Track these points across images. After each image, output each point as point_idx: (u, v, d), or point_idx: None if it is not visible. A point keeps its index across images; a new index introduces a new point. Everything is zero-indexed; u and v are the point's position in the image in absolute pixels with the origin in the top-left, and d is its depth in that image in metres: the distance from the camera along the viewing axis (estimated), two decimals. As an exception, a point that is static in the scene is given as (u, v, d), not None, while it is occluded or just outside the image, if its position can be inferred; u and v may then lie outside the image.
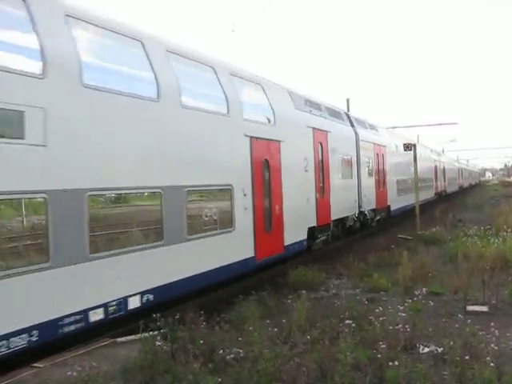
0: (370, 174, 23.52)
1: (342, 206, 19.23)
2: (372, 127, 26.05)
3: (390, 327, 8.36)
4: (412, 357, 7.35)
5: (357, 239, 22.64)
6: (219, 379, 6.54)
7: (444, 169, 54.55)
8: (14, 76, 6.82)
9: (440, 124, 58.15)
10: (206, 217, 10.79)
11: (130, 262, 8.55)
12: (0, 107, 6.61)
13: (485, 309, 10.42)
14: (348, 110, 35.92)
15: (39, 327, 6.94)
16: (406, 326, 8.37)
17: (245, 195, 12.13)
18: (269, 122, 13.95)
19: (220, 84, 11.84)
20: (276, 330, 8.49)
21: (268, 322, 8.98)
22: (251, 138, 12.49)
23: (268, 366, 6.54)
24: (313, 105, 17.90)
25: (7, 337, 6.53)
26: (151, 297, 8.99)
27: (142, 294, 8.80)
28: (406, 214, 31.33)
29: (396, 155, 29.09)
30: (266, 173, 13.24)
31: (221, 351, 7.41)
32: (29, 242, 7.22)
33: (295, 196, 14.79)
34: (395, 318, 9.17)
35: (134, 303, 8.63)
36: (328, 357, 7.16)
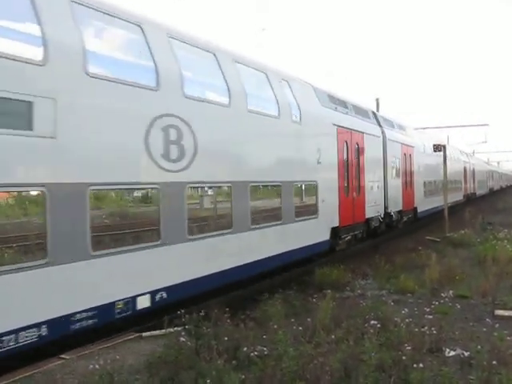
0: (397, 175, 23.33)
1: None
2: (400, 127, 25.87)
3: (416, 329, 8.26)
4: (437, 360, 7.26)
5: (383, 240, 22.48)
6: (242, 376, 6.54)
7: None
8: None
9: (470, 125, 57.50)
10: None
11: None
12: None
13: (514, 313, 10.24)
14: (378, 109, 35.66)
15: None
16: (432, 329, 8.27)
17: None
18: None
19: None
20: (301, 328, 8.47)
21: (293, 320, 8.97)
22: None
23: (292, 364, 6.53)
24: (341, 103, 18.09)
25: None
26: None
27: None
28: (435, 216, 31.03)
29: (424, 156, 28.86)
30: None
31: (245, 348, 7.41)
32: None
33: None
34: (421, 321, 9.06)
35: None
36: (352, 357, 7.12)
